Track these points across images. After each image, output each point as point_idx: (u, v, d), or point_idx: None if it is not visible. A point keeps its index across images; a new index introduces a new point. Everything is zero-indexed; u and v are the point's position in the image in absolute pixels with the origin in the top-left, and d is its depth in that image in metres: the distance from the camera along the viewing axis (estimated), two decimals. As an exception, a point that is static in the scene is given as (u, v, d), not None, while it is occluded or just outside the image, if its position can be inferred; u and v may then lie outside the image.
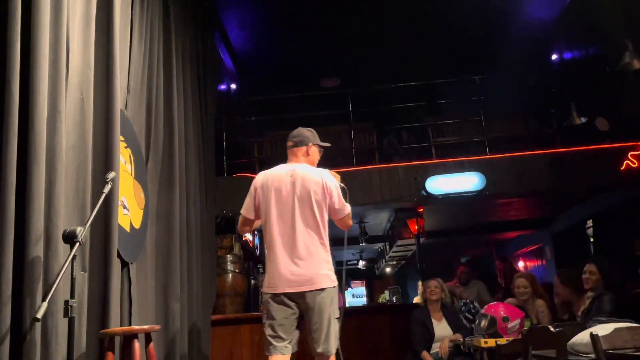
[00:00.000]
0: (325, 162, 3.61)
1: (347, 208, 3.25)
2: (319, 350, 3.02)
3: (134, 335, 2.75)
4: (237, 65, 8.00)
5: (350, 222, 3.33)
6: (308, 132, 3.42)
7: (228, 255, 5.85)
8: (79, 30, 2.97)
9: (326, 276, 3.08)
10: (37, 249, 2.37)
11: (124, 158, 3.39)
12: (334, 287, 3.10)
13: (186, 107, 4.84)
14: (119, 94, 3.25)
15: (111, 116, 3.14)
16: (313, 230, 3.12)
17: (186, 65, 4.99)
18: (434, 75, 7.85)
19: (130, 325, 3.25)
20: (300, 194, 3.14)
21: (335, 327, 3.07)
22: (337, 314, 3.09)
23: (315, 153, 3.40)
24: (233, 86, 8.32)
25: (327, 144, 3.48)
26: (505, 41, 7.51)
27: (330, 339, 3.04)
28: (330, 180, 3.24)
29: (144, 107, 3.91)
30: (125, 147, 3.48)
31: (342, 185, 3.33)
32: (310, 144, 3.37)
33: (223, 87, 7.91)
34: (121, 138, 3.27)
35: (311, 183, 3.17)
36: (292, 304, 3.05)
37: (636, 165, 6.22)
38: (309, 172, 3.22)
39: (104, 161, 3.08)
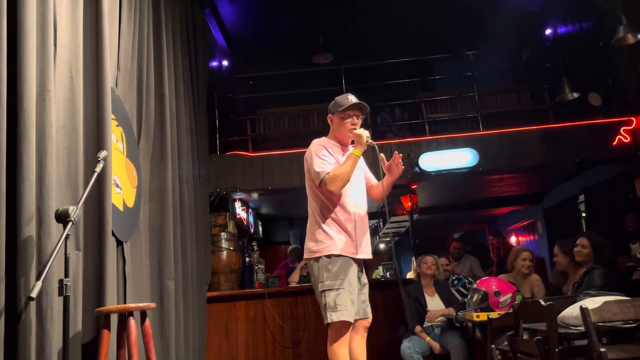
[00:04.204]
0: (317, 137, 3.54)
1: (319, 175, 3.03)
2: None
3: (129, 313, 2.76)
4: (229, 41, 7.89)
5: (332, 187, 3.00)
6: (330, 105, 3.31)
7: (222, 233, 5.87)
8: (66, 7, 2.91)
9: (308, 248, 3.13)
10: (29, 229, 2.36)
11: (115, 137, 3.36)
12: (316, 258, 3.04)
13: (177, 84, 4.79)
14: (109, 72, 3.21)
15: (102, 94, 3.11)
16: (310, 202, 3.22)
17: (177, 41, 4.92)
18: (427, 51, 7.79)
19: (125, 303, 3.27)
20: None
21: (322, 299, 2.97)
22: (323, 286, 2.97)
23: (336, 121, 3.26)
24: (225, 63, 8.21)
25: (348, 103, 3.19)
26: (498, 16, 7.44)
27: (322, 309, 3.00)
28: (309, 150, 3.19)
29: (134, 84, 3.86)
30: (117, 126, 3.45)
31: (371, 142, 3.15)
32: (329, 116, 3.32)
33: (215, 63, 7.81)
34: (112, 116, 3.24)
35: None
36: None
37: (628, 140, 6.24)
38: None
39: (96, 140, 3.05)
